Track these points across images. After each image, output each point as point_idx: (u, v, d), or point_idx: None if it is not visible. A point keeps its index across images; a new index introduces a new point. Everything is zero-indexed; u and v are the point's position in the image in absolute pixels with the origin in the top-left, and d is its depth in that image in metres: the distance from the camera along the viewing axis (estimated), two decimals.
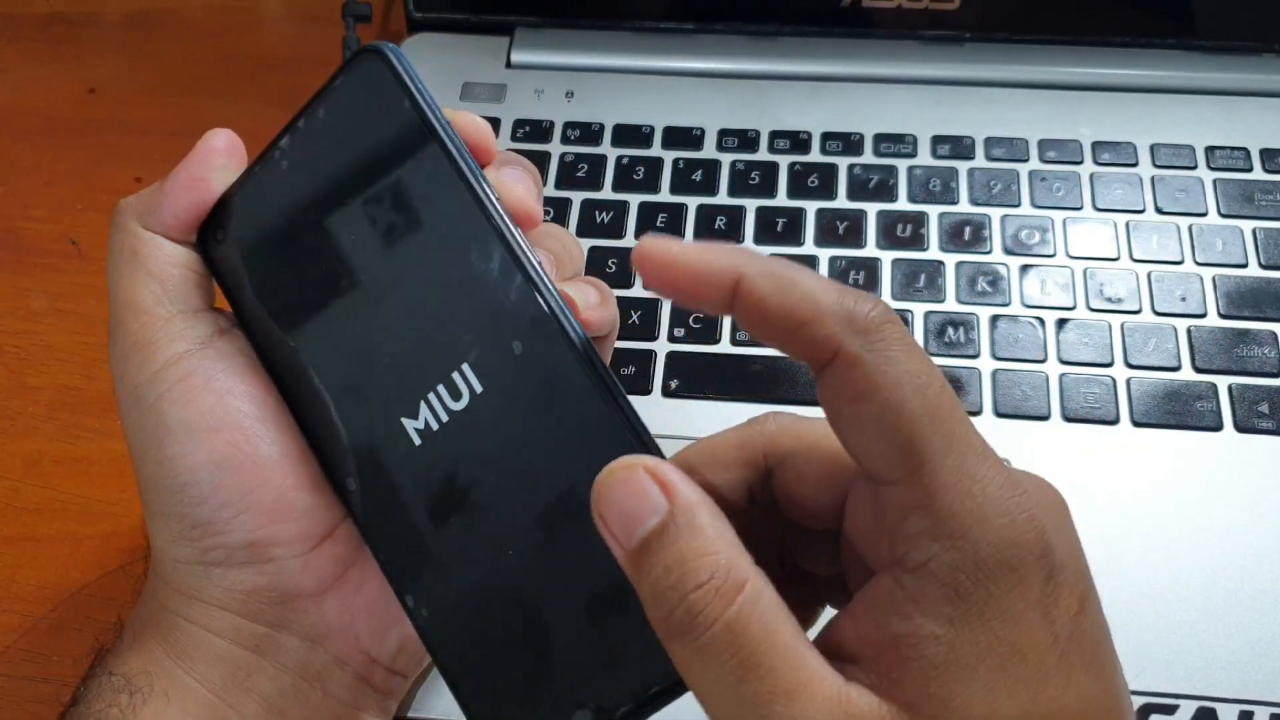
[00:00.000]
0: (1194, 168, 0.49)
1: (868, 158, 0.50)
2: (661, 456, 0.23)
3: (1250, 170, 0.49)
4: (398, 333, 0.26)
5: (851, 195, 0.49)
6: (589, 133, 0.51)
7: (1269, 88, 0.52)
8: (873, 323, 0.21)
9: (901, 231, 0.48)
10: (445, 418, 0.25)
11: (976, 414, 0.42)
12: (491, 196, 0.25)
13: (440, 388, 0.25)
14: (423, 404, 0.25)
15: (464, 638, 0.25)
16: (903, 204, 0.49)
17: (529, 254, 0.25)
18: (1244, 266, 0.46)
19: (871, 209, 0.48)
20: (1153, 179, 0.49)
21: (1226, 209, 0.48)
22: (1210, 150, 0.49)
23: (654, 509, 0.22)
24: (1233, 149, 0.49)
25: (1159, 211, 0.48)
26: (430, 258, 0.25)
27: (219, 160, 0.28)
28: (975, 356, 0.44)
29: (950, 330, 0.44)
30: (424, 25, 0.56)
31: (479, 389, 0.25)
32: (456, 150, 0.25)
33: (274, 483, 0.28)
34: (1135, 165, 0.49)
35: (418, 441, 0.26)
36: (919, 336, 0.44)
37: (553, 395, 0.24)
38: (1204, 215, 0.47)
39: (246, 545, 0.28)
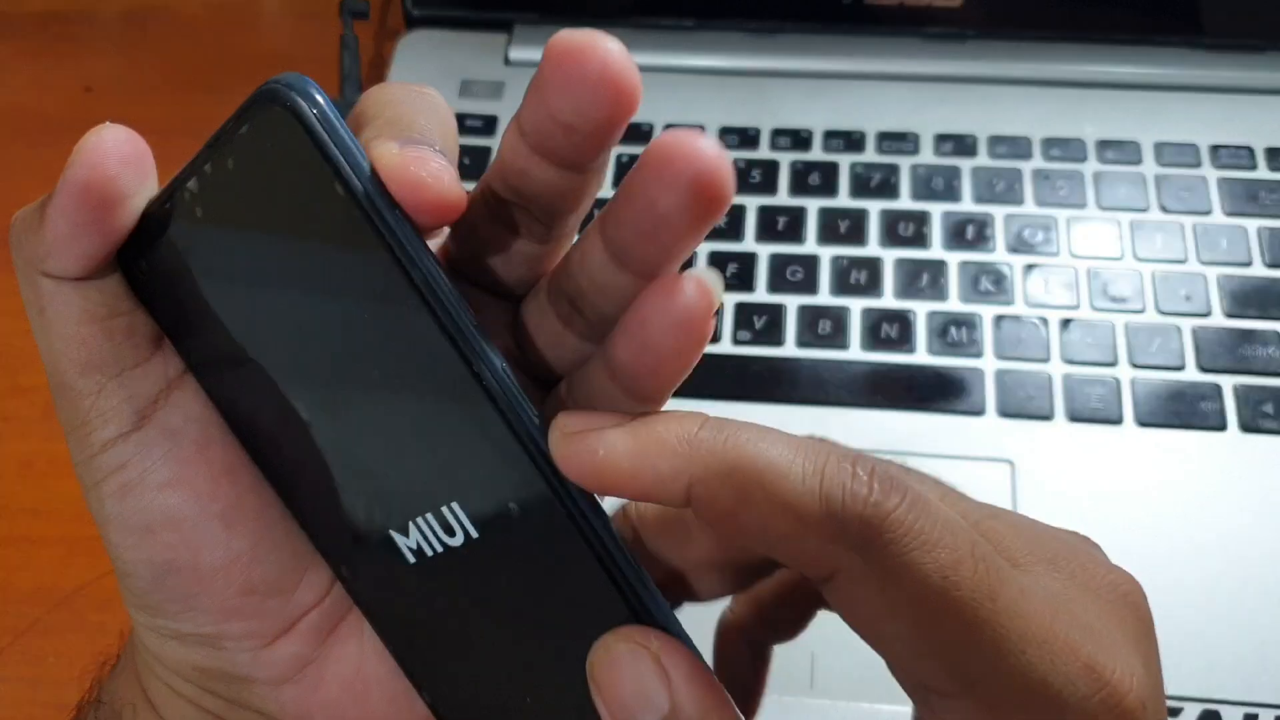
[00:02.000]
0: (1198, 166, 0.49)
1: (870, 155, 0.50)
2: (674, 623, 0.21)
3: (1254, 169, 0.48)
4: (370, 444, 0.22)
5: (854, 193, 0.49)
6: None
7: (1274, 86, 0.51)
8: (872, 524, 0.18)
9: (904, 230, 0.47)
10: (439, 548, 0.23)
11: (980, 414, 0.42)
12: (450, 301, 0.21)
13: (430, 517, 0.22)
14: (412, 526, 0.23)
15: None
16: (905, 202, 0.48)
17: (510, 391, 0.21)
18: (1248, 265, 0.45)
19: (874, 207, 0.48)
20: (1157, 177, 0.48)
21: (1231, 208, 0.47)
22: (1214, 149, 0.49)
23: (653, 706, 0.19)
24: (1237, 147, 0.49)
25: (1163, 210, 0.47)
26: (392, 373, 0.22)
27: (115, 187, 0.21)
28: (979, 356, 0.43)
29: (953, 330, 0.44)
30: (421, 21, 0.56)
31: (474, 534, 0.22)
32: (390, 230, 0.21)
33: (217, 589, 0.24)
34: (1139, 164, 0.49)
35: (411, 559, 0.23)
36: (921, 336, 0.44)
37: (552, 558, 0.21)
38: (1208, 214, 0.47)
39: (194, 634, 0.25)
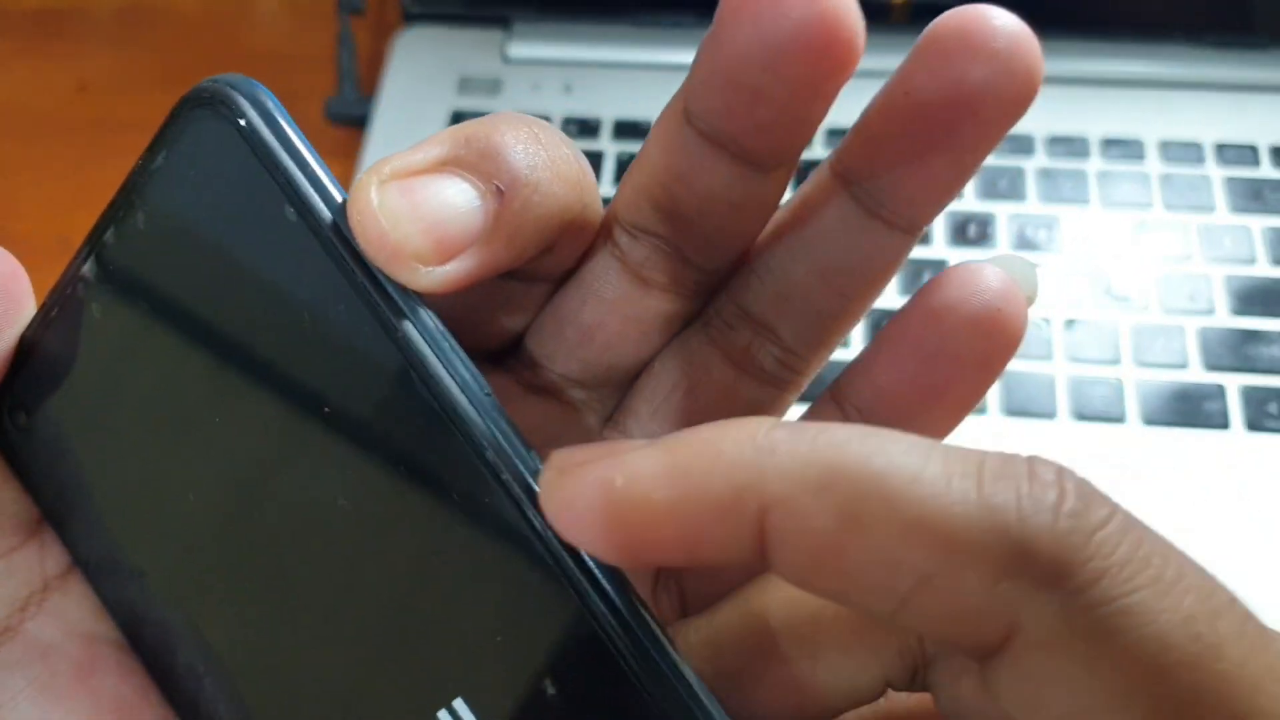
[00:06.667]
0: (1202, 164, 0.48)
1: None
2: None
3: (1259, 167, 0.48)
4: (345, 621, 0.15)
5: None
6: (587, 127, 0.51)
7: (1278, 83, 0.51)
8: (1072, 548, 0.11)
9: None
10: None
11: (982, 413, 0.42)
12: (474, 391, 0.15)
13: None
14: None
15: None
16: None
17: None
18: (1252, 264, 0.45)
19: None
20: (1160, 176, 0.48)
21: (1235, 206, 0.47)
22: (1219, 147, 0.49)
23: None
24: (1241, 146, 0.49)
25: (1167, 208, 0.47)
26: (393, 544, 0.15)
27: None
28: None
29: None
30: (418, 17, 0.55)
31: None
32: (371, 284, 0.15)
33: None
34: (1143, 162, 0.49)
35: None
36: None
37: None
38: (1212, 212, 0.47)
39: None
